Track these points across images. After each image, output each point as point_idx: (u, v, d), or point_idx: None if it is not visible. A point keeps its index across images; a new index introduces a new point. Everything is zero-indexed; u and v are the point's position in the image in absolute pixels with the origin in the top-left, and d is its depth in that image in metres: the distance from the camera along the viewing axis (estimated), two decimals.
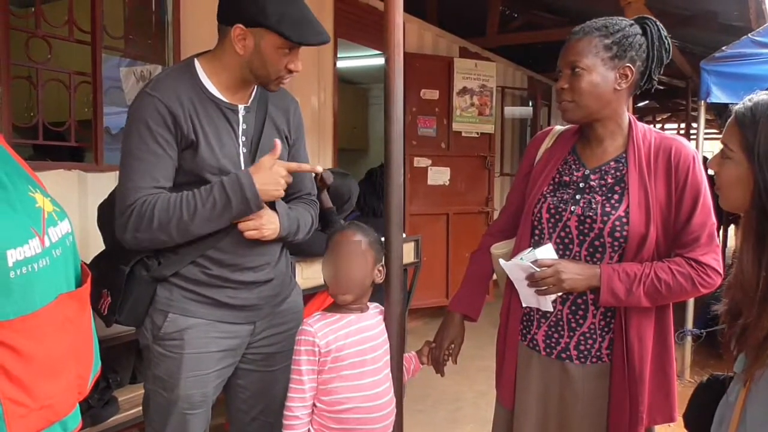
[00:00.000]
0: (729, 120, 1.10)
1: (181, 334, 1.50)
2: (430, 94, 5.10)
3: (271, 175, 1.46)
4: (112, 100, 2.84)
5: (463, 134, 5.35)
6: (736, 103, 1.13)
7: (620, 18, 1.48)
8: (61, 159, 2.82)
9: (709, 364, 4.04)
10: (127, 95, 2.95)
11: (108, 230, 1.57)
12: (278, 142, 1.49)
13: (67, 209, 1.18)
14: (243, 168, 1.51)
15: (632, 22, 1.47)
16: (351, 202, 2.89)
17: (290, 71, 1.49)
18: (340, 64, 4.44)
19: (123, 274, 1.48)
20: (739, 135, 1.06)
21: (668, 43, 1.48)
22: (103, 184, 2.59)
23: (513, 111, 6.85)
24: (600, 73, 1.43)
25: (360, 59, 5.64)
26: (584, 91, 1.43)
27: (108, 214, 1.54)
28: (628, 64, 1.44)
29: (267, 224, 1.52)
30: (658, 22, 1.48)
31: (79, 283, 1.17)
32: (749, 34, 3.51)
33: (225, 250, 1.52)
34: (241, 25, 1.43)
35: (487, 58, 5.89)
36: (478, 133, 5.46)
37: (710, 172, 1.29)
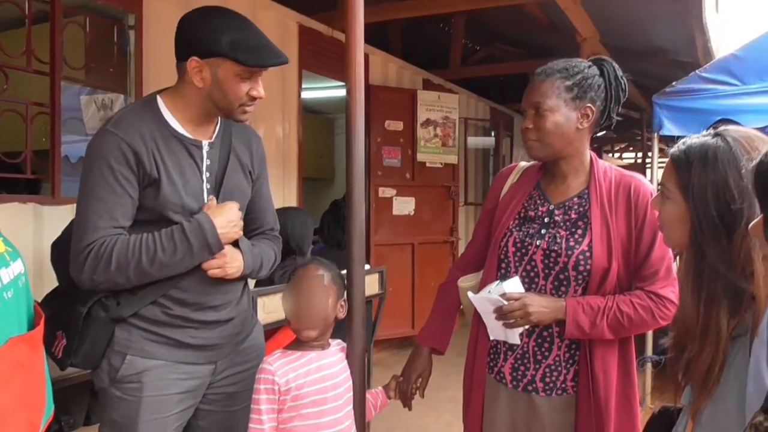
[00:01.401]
0: (666, 162, 1.15)
1: (139, 377, 1.45)
2: (395, 125, 5.16)
3: (230, 216, 1.47)
4: (71, 128, 2.78)
5: (428, 164, 5.41)
6: (684, 136, 1.18)
7: (579, 60, 1.54)
8: (17, 191, 2.73)
9: (668, 389, 4.05)
10: (88, 124, 2.90)
11: (63, 269, 1.51)
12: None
13: (22, 244, 1.14)
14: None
15: (590, 63, 1.53)
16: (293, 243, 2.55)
17: (253, 98, 1.48)
18: (306, 94, 4.45)
19: (80, 315, 1.43)
20: (675, 176, 1.11)
21: (624, 83, 1.54)
22: (60, 217, 2.51)
23: (476, 141, 6.97)
24: (563, 114, 1.48)
25: (326, 90, 5.68)
26: (548, 130, 1.48)
27: (63, 252, 1.48)
28: (588, 105, 1.49)
29: (231, 262, 1.50)
30: (614, 64, 1.54)
31: (32, 326, 1.13)
32: (697, 71, 3.66)
33: (187, 289, 1.48)
34: (196, 58, 1.42)
35: (450, 89, 6.01)
36: (442, 164, 5.53)
37: None
